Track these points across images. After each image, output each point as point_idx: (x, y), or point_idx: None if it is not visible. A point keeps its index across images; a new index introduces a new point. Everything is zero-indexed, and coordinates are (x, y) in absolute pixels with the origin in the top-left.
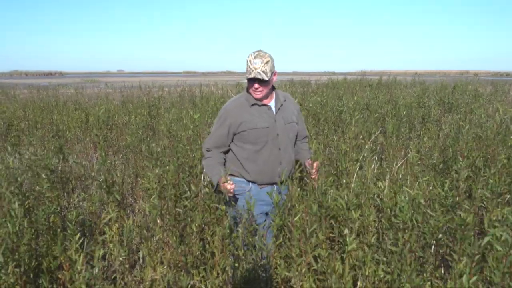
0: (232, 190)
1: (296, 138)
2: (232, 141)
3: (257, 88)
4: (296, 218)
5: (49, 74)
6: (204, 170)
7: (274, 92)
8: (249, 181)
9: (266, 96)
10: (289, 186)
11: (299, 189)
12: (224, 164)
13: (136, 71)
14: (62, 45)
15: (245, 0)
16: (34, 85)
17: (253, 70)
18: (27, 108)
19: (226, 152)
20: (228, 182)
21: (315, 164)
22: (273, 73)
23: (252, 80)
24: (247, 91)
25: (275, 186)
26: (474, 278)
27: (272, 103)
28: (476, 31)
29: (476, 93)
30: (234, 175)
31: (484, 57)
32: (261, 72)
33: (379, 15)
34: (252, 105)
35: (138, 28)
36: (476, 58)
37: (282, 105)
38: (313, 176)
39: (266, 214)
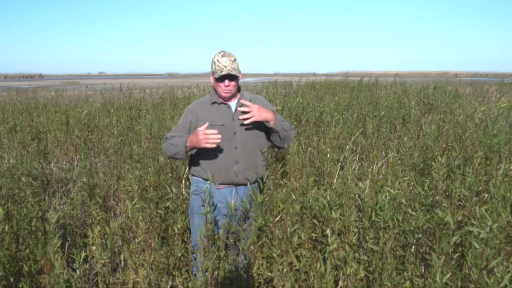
0: (208, 134)
1: (266, 136)
2: None
3: (227, 86)
4: (277, 219)
5: (29, 77)
6: (170, 152)
7: (239, 93)
8: (206, 180)
9: (234, 95)
10: (270, 186)
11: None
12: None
13: (117, 73)
14: (42, 47)
15: (226, 2)
16: (13, 87)
17: (223, 68)
18: (6, 111)
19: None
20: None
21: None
22: (239, 72)
23: (222, 78)
24: (215, 91)
25: (234, 188)
26: (447, 276)
27: (233, 102)
28: (456, 32)
29: (455, 94)
30: (194, 175)
31: (464, 57)
32: (231, 69)
33: (360, 16)
34: (212, 103)
35: (119, 30)
36: (456, 58)
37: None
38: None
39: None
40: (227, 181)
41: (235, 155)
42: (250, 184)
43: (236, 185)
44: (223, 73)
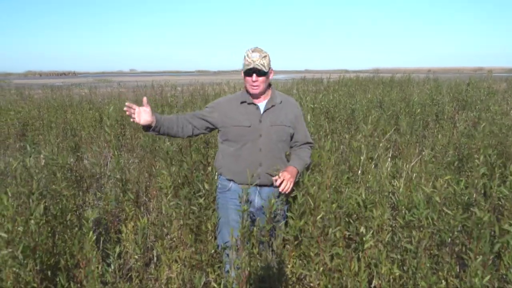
0: (130, 107)
1: (291, 142)
2: (217, 132)
3: (254, 81)
4: (318, 218)
5: (63, 74)
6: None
7: (270, 92)
8: (229, 180)
9: (263, 92)
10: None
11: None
12: (189, 130)
13: (148, 71)
14: (75, 45)
15: None
16: (48, 85)
17: (251, 62)
18: (41, 108)
19: (195, 129)
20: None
21: (279, 178)
22: (270, 69)
23: (249, 73)
24: (245, 88)
25: (258, 189)
26: (487, 278)
27: (262, 103)
28: (491, 26)
29: (490, 90)
30: (218, 174)
31: (498, 52)
32: (259, 64)
33: (391, 12)
34: (242, 102)
35: (151, 27)
36: (490, 53)
37: (274, 106)
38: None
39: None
40: (250, 182)
41: (259, 157)
42: (274, 186)
43: (260, 186)
44: (249, 67)
